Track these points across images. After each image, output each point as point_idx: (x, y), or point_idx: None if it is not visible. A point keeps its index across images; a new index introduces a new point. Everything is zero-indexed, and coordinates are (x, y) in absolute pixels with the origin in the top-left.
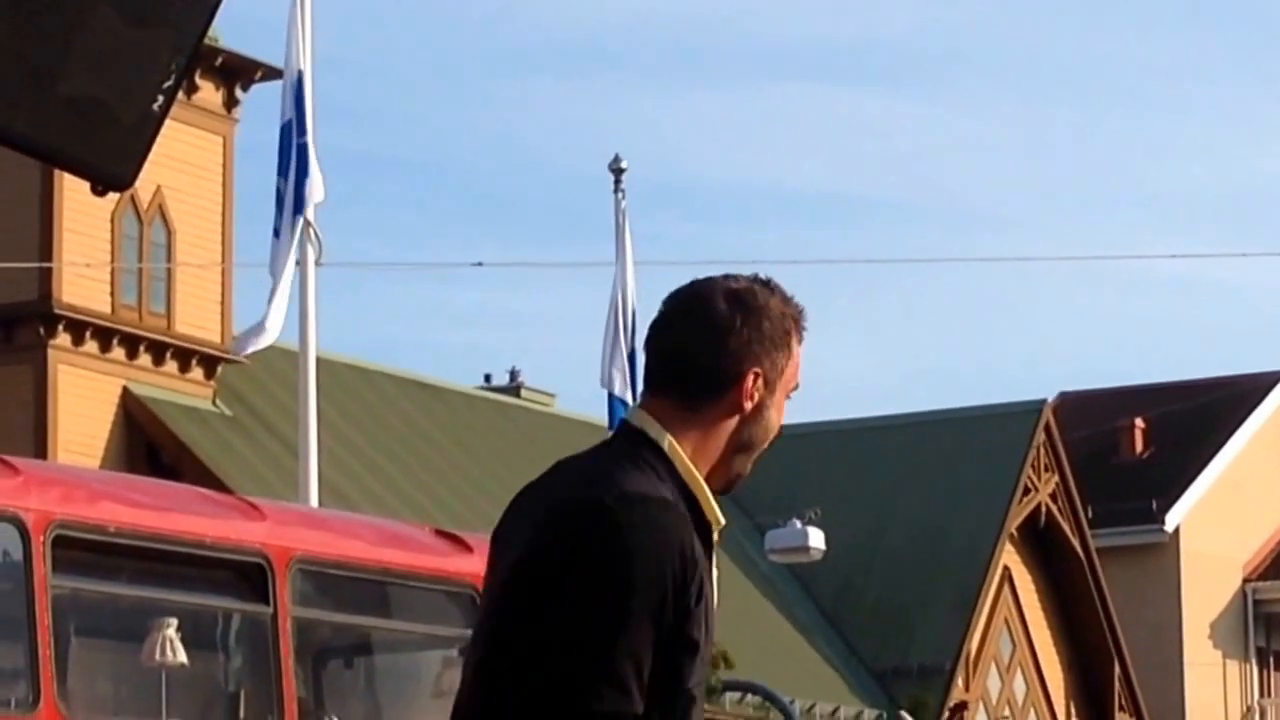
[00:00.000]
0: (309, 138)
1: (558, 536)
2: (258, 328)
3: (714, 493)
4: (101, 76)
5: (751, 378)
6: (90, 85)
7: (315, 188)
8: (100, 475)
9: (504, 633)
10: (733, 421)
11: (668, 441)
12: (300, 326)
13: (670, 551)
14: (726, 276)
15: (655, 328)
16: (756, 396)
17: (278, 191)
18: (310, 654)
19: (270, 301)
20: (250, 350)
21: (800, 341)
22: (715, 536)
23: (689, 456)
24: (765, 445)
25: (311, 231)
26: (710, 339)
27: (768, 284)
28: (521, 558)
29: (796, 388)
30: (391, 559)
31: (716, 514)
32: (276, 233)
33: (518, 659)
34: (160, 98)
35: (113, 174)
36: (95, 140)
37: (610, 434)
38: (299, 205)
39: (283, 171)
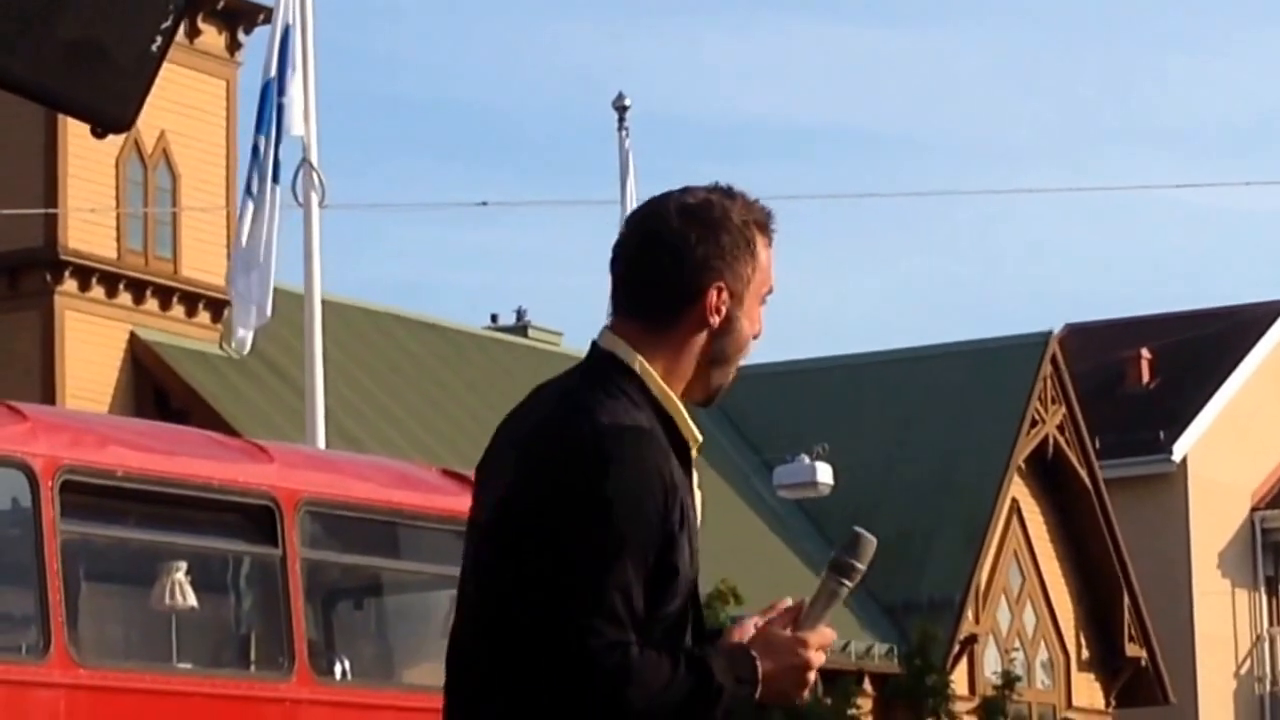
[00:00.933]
0: (289, 97)
1: (538, 472)
2: (247, 314)
3: (697, 405)
4: (99, 19)
5: (715, 293)
6: (88, 27)
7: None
8: (108, 420)
9: (492, 569)
10: (701, 337)
11: (638, 363)
12: (305, 269)
13: (650, 481)
14: (684, 190)
15: (616, 249)
16: (723, 310)
17: (254, 149)
18: (319, 595)
19: (251, 276)
20: (250, 345)
21: (769, 244)
22: (694, 453)
23: (661, 376)
24: (743, 354)
25: (315, 174)
26: (669, 258)
27: (728, 192)
28: (505, 494)
29: (770, 291)
30: (399, 500)
31: (694, 432)
32: (249, 193)
33: (506, 595)
34: (158, 39)
35: (112, 116)
36: (94, 82)
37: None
38: (275, 170)
39: (262, 129)
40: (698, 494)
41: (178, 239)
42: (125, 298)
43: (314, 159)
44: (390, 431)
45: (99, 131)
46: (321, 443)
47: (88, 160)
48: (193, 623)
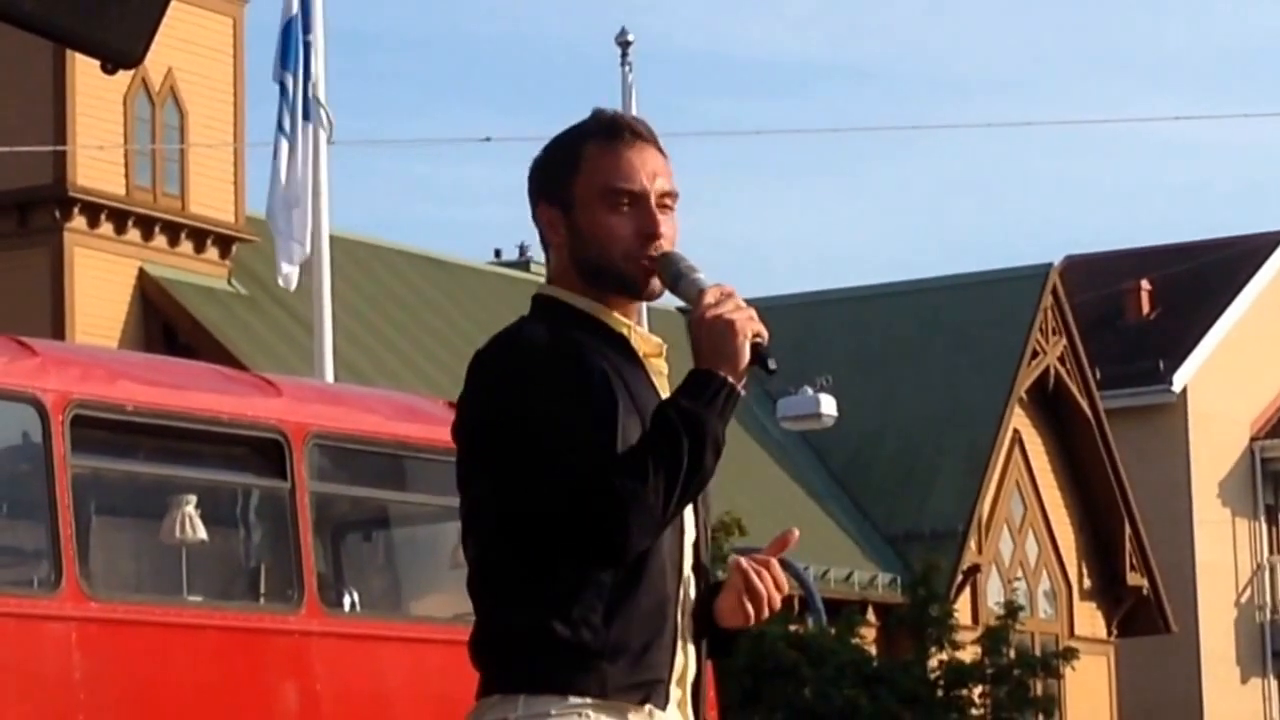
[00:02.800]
0: (315, 35)
1: (464, 394)
2: (290, 251)
3: (634, 297)
4: None
5: (544, 217)
6: None
7: (318, 82)
8: (118, 355)
9: (463, 491)
10: (564, 255)
11: (539, 292)
12: (312, 205)
13: (540, 359)
14: None
15: None
16: (559, 225)
17: (280, 84)
18: (328, 528)
19: (292, 214)
20: (295, 282)
21: (606, 143)
22: (633, 340)
23: (571, 292)
24: (621, 249)
25: (322, 110)
26: (529, 201)
27: (582, 121)
28: (454, 421)
29: (614, 188)
30: (407, 432)
31: (619, 321)
32: (282, 132)
33: (474, 505)
34: None
35: (121, 52)
36: (103, 19)
37: None
38: (307, 107)
39: (288, 66)
40: (659, 382)
41: (185, 176)
42: (134, 234)
43: (320, 95)
44: (396, 365)
45: (109, 67)
46: (329, 376)
47: (96, 98)
48: (203, 556)
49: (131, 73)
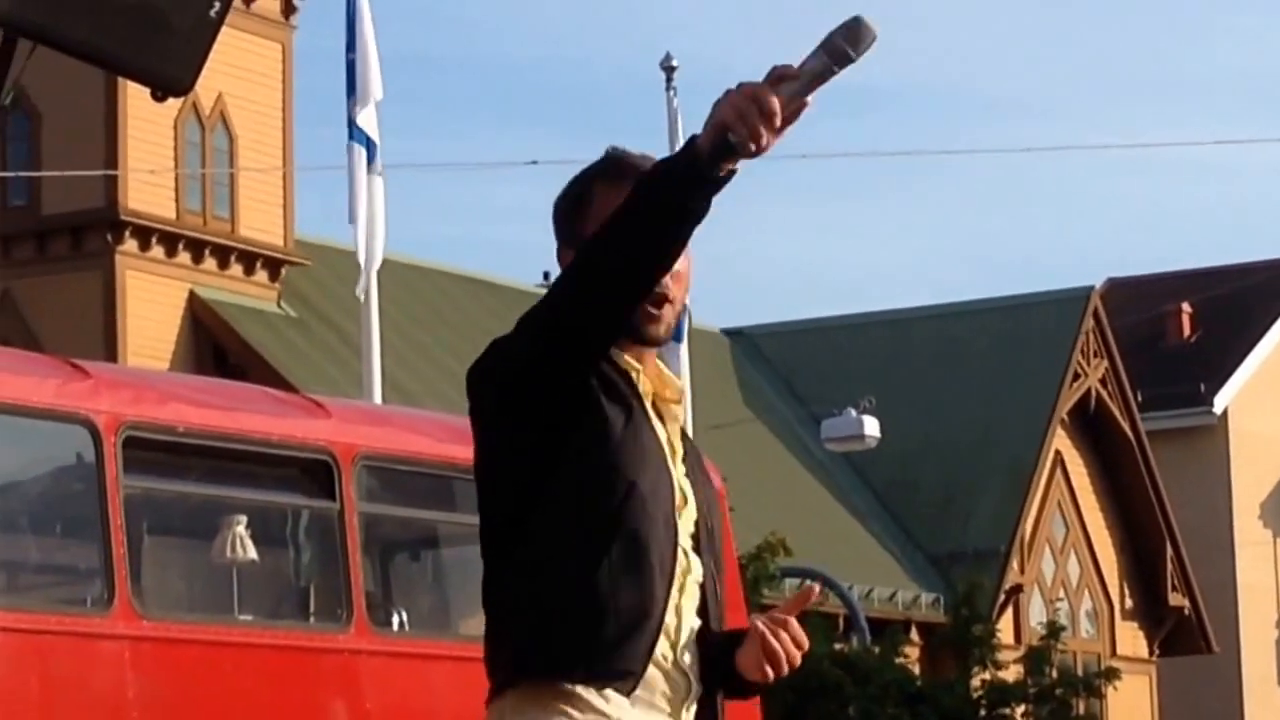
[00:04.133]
0: (357, 54)
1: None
2: (364, 266)
3: (640, 344)
4: None
5: (561, 258)
6: None
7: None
8: (169, 377)
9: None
10: None
11: None
12: (365, 227)
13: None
14: None
15: None
16: None
17: (349, 116)
18: (376, 548)
19: (356, 235)
20: (371, 288)
21: (612, 184)
22: (640, 383)
23: None
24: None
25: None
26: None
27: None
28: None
29: None
30: (455, 453)
31: (628, 363)
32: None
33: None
34: (217, 4)
35: (172, 80)
36: (153, 47)
37: None
38: (351, 127)
39: (351, 93)
40: (670, 427)
41: (235, 199)
42: (184, 257)
43: (363, 119)
44: (444, 386)
45: (159, 95)
46: (378, 398)
47: (147, 122)
48: (253, 575)
49: (182, 98)
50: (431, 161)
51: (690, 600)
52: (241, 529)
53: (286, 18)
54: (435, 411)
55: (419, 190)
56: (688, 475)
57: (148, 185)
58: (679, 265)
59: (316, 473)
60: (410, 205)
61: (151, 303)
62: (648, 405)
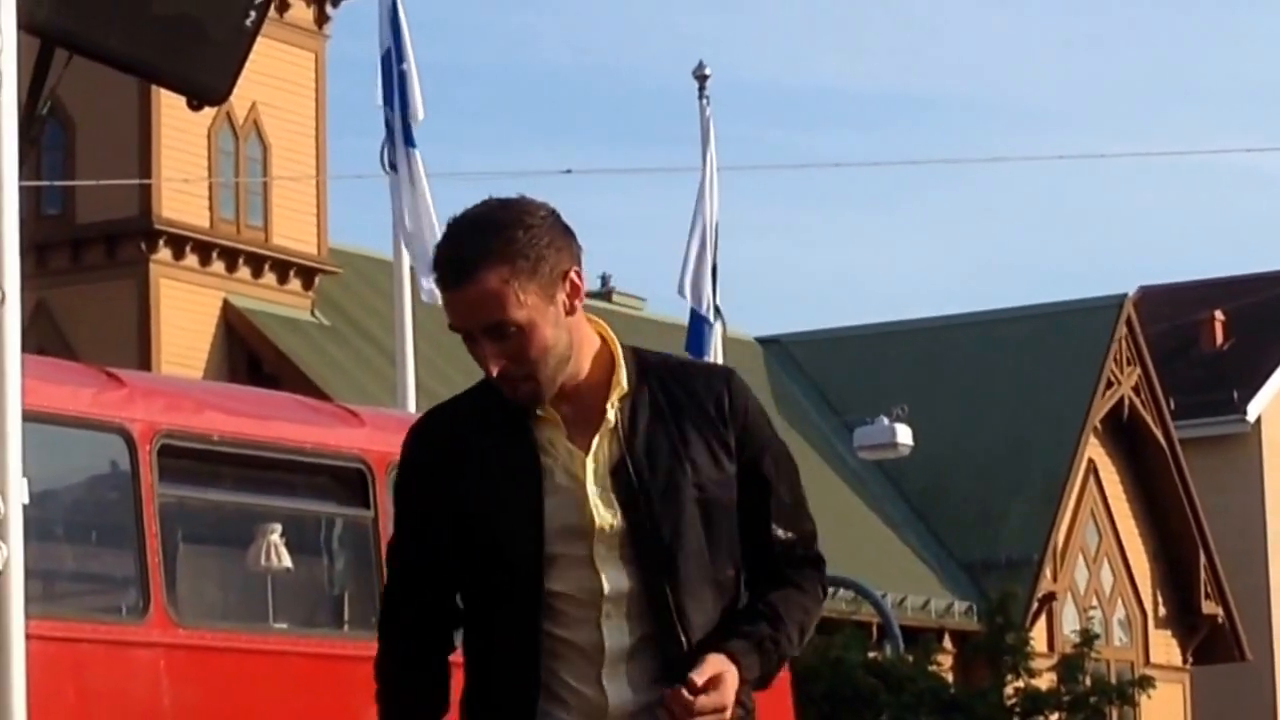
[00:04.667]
0: (409, 63)
1: None
2: (425, 278)
3: (526, 406)
4: None
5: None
6: (183, 3)
7: (417, 112)
8: (203, 385)
9: None
10: None
11: None
12: (394, 235)
13: (406, 470)
14: None
15: None
16: None
17: (386, 122)
18: None
19: (413, 247)
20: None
21: (438, 288)
22: (541, 433)
23: None
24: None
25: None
26: None
27: None
28: None
29: (458, 328)
30: None
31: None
32: (394, 167)
33: None
34: (253, 14)
35: (208, 89)
36: (189, 56)
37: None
38: (408, 135)
39: (388, 101)
40: (548, 446)
41: (269, 208)
42: (218, 266)
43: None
44: None
45: (195, 104)
46: (412, 407)
47: (181, 131)
48: (287, 583)
49: (217, 107)
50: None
51: (614, 620)
52: (276, 537)
53: (320, 27)
54: None
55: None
56: (624, 466)
57: (182, 194)
58: (513, 351)
59: (350, 481)
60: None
61: (186, 311)
62: (548, 446)
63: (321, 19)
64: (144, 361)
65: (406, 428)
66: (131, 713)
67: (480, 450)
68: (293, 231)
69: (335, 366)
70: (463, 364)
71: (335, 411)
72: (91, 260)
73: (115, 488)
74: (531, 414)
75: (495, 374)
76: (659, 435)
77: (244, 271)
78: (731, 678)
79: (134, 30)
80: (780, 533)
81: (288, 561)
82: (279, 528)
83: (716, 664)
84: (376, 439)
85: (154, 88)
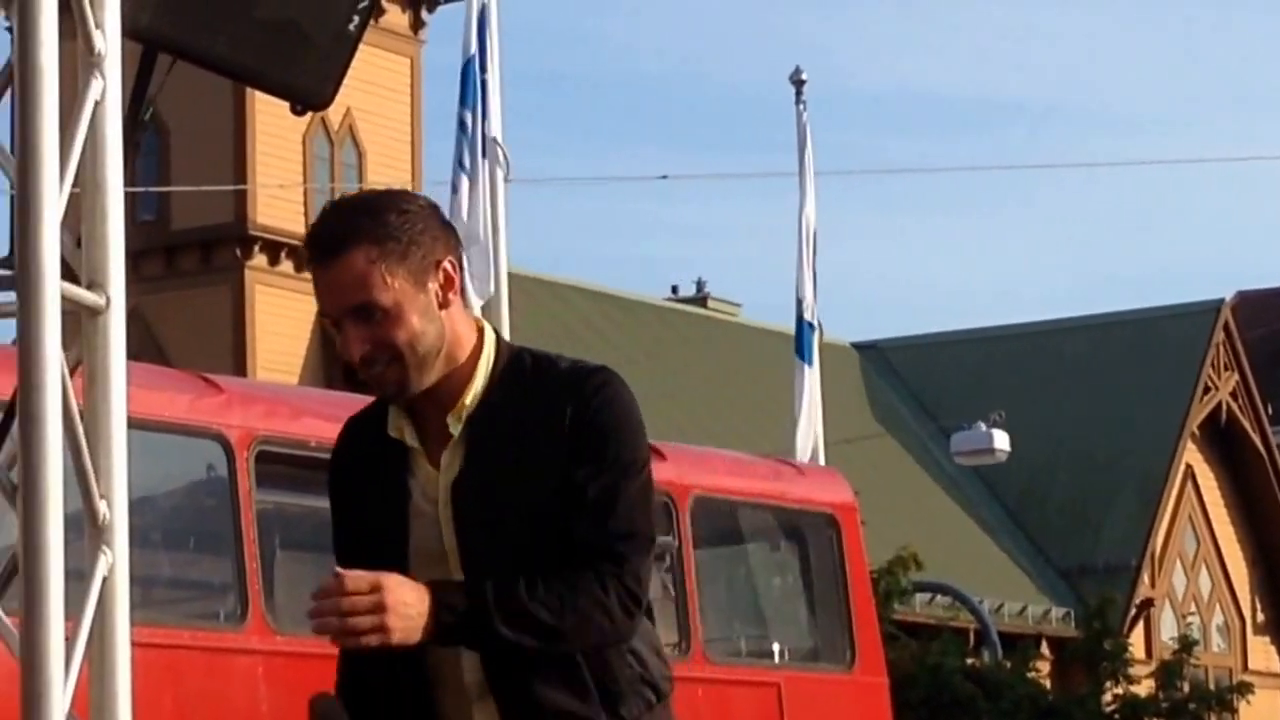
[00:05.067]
0: (490, 72)
1: None
2: (470, 288)
3: (394, 400)
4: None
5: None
6: (286, 8)
7: (495, 121)
8: (301, 391)
9: None
10: None
11: None
12: (491, 243)
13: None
14: None
15: None
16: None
17: (460, 122)
18: None
19: (472, 250)
20: (481, 305)
21: (308, 268)
22: (396, 429)
23: None
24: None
25: (499, 149)
26: None
27: None
28: None
29: (326, 312)
30: None
31: (395, 414)
32: (463, 170)
33: None
34: (355, 19)
35: (310, 93)
36: (292, 61)
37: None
38: (485, 144)
39: (467, 104)
40: (413, 467)
41: None
42: None
43: (498, 134)
44: None
45: (299, 110)
46: None
47: (276, 138)
48: None
49: (310, 114)
50: (562, 176)
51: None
52: None
53: (415, 32)
54: None
55: (547, 205)
56: (469, 462)
57: (276, 200)
58: (358, 334)
59: None
60: (541, 220)
61: (281, 317)
62: (413, 467)
63: (417, 24)
64: (239, 368)
65: None
66: (230, 719)
67: (366, 468)
68: None
69: None
70: None
71: None
72: (186, 266)
73: (213, 494)
74: (399, 416)
75: (358, 359)
76: (503, 451)
77: None
78: (392, 595)
79: (237, 35)
80: (582, 533)
81: None
82: None
83: (385, 579)
84: None
85: (249, 94)
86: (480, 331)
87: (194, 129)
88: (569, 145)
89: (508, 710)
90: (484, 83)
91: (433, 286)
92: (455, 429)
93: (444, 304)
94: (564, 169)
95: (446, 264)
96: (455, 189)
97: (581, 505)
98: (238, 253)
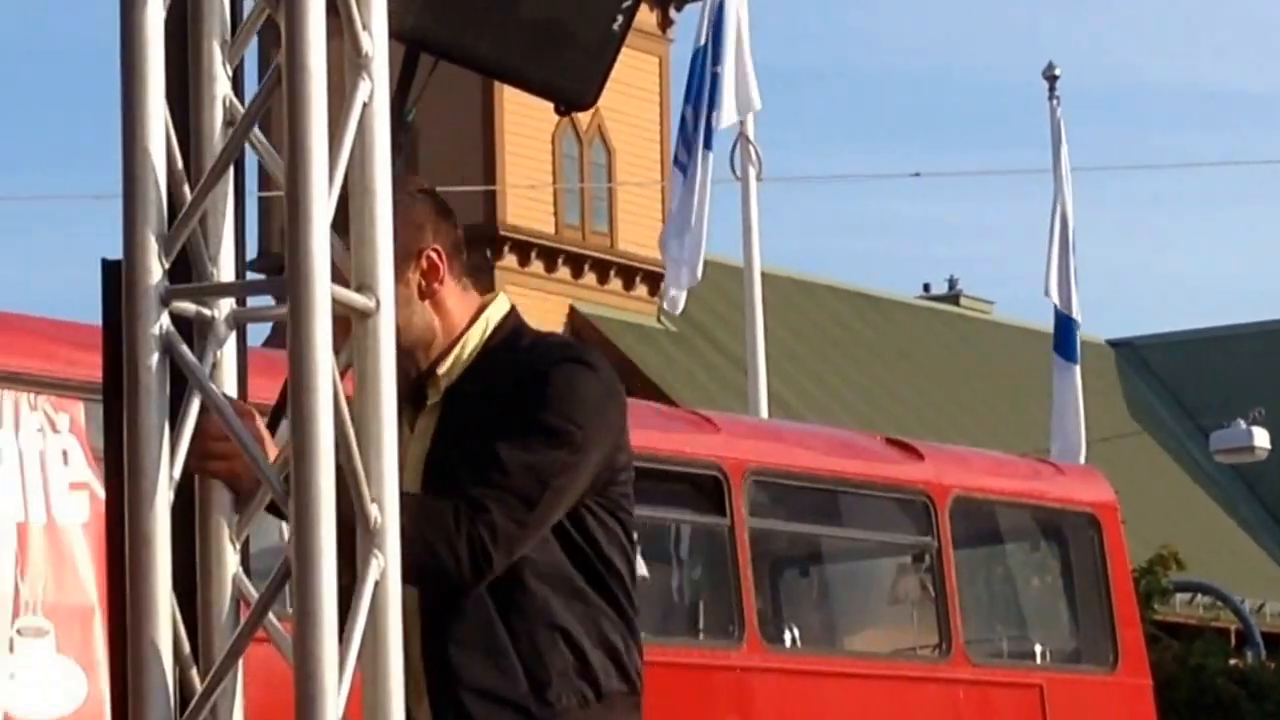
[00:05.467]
0: (723, 66)
1: None
2: (679, 276)
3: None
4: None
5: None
6: (550, 7)
7: (724, 116)
8: (779, 426)
9: None
10: None
11: None
12: (744, 242)
13: None
14: None
15: None
16: None
17: (682, 119)
18: (765, 564)
19: (683, 240)
20: (681, 305)
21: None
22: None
23: None
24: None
25: (751, 148)
26: None
27: None
28: None
29: None
30: (844, 468)
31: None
32: (678, 164)
33: None
34: (619, 18)
35: (576, 94)
36: (556, 61)
37: (1052, 344)
38: (708, 137)
39: (689, 99)
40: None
41: (614, 214)
42: (564, 272)
43: (750, 133)
44: (825, 400)
45: (561, 110)
46: (764, 413)
47: (524, 138)
48: (643, 592)
49: (583, 112)
50: (813, 175)
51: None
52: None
53: (663, 31)
54: (817, 425)
55: (800, 203)
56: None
57: (526, 200)
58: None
59: (706, 488)
60: (792, 218)
61: (531, 318)
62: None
63: (665, 23)
64: None
65: (762, 435)
66: None
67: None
68: (638, 237)
69: (682, 373)
70: (810, 370)
71: (689, 418)
72: None
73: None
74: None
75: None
76: (467, 422)
77: (589, 277)
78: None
79: (501, 35)
80: (463, 477)
81: (643, 569)
82: (634, 535)
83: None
84: (732, 446)
85: (498, 93)
86: (482, 309)
87: (444, 129)
88: (821, 142)
89: (433, 685)
90: (714, 75)
91: (414, 276)
92: (434, 399)
93: (427, 293)
94: (816, 166)
95: (430, 252)
96: (674, 182)
97: (475, 456)
98: (488, 253)
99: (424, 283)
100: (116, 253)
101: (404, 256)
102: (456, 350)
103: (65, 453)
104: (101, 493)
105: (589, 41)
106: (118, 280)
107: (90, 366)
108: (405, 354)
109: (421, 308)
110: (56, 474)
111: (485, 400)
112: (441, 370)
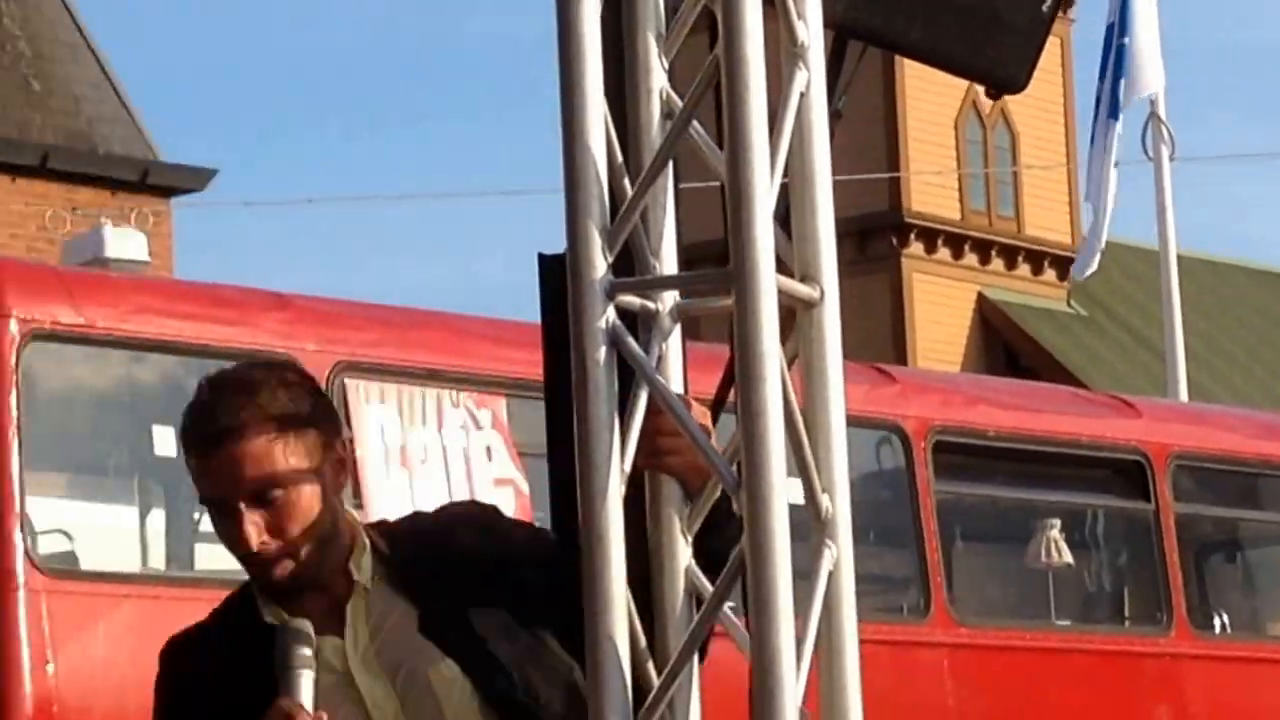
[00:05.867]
0: (1129, 39)
1: None
2: (1090, 246)
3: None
4: None
5: None
6: None
7: (1136, 86)
8: (971, 380)
9: None
10: None
11: None
12: (1159, 224)
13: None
14: None
15: None
16: None
17: (1097, 95)
18: (1191, 549)
19: (1095, 213)
20: (1089, 271)
21: (191, 455)
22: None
23: None
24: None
25: (1163, 127)
26: None
27: None
28: None
29: (207, 500)
30: (1266, 450)
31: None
32: (1092, 139)
33: None
34: (1049, 0)
35: (1008, 78)
36: (987, 45)
37: None
38: (1114, 108)
39: (1103, 74)
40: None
41: (1019, 198)
42: (971, 258)
43: (1162, 112)
44: (1240, 382)
45: (992, 94)
46: (1183, 396)
47: (927, 123)
48: (1067, 579)
49: (960, 97)
50: (1224, 153)
51: None
52: (1055, 532)
53: (1064, 11)
54: (1239, 408)
55: (1213, 183)
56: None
57: (930, 186)
58: (254, 519)
59: (1129, 473)
60: (1205, 199)
61: (939, 305)
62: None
63: (1067, 3)
64: (899, 356)
65: (1184, 419)
66: (916, 713)
67: (232, 676)
68: (1045, 221)
69: (1094, 358)
70: (1224, 352)
71: (1110, 403)
72: (844, 255)
73: (889, 485)
74: (268, 602)
75: (255, 548)
76: (425, 592)
77: (997, 263)
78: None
79: (932, 20)
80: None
81: (1068, 557)
82: (1058, 523)
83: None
84: (1155, 430)
85: (899, 78)
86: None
87: (846, 118)
88: (1233, 120)
89: None
90: (1119, 47)
91: (326, 470)
92: (363, 578)
93: (337, 489)
94: (1229, 144)
95: (338, 446)
96: (1090, 161)
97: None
98: (893, 241)
99: (333, 479)
100: (485, 250)
101: (321, 446)
102: (358, 545)
103: (489, 449)
104: (526, 488)
105: (1019, 23)
106: (555, 275)
107: (511, 362)
108: (314, 551)
109: (332, 505)
110: (480, 470)
111: (442, 565)
112: (363, 560)
